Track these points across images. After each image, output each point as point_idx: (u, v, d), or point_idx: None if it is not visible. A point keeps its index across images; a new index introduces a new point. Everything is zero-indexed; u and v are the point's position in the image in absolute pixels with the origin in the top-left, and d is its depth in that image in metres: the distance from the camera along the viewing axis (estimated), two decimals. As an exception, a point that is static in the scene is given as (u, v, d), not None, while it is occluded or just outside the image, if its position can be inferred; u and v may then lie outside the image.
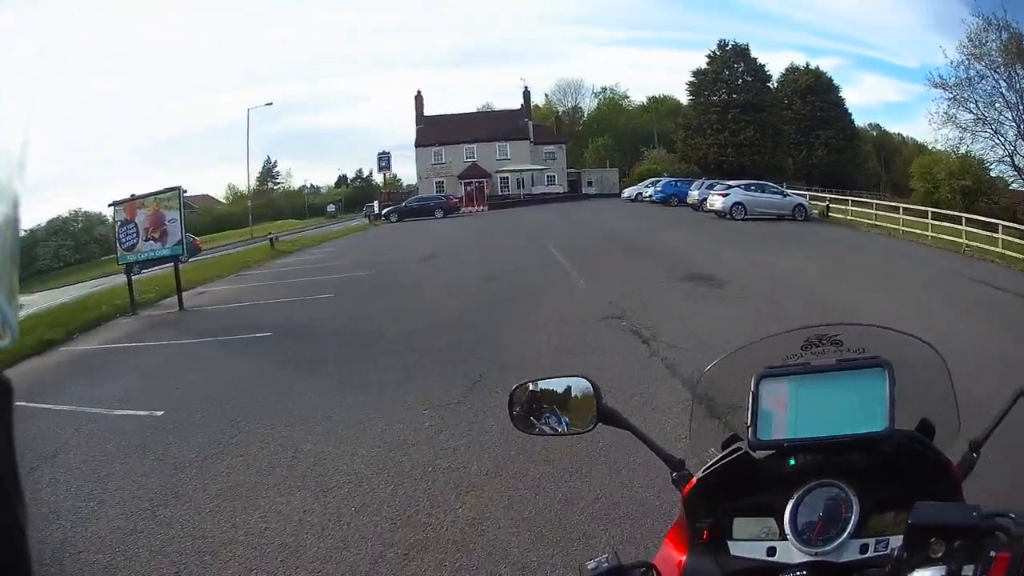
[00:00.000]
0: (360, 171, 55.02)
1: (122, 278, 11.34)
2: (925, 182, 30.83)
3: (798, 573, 0.83)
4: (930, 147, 31.38)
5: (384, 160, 37.73)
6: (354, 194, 50.71)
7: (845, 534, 0.85)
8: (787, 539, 0.87)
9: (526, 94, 41.87)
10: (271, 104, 38.07)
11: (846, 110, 44.82)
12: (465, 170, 38.54)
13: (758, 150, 39.42)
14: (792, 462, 0.90)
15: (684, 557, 0.93)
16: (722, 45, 40.98)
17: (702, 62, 41.52)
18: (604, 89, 52.97)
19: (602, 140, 48.12)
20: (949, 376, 0.97)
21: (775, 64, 42.69)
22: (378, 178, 42.50)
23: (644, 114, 52.44)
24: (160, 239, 10.61)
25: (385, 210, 32.17)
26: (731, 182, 21.99)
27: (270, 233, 18.54)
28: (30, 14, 0.50)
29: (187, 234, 11.57)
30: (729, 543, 0.92)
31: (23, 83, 0.41)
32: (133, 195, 11.25)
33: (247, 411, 5.13)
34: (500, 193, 39.24)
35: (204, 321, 9.77)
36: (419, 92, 40.13)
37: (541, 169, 39.93)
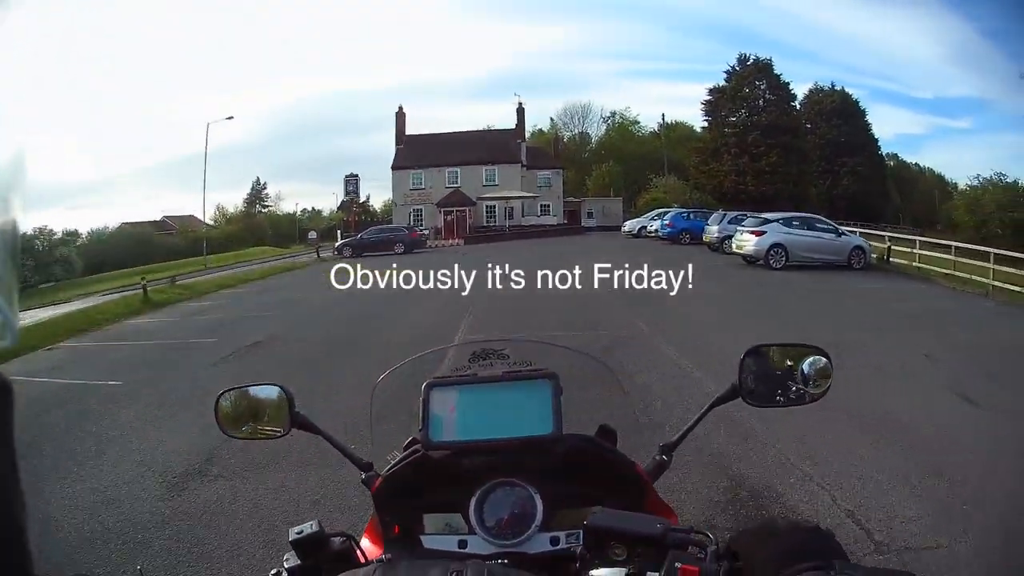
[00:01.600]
0: (353, 197, 50.68)
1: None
2: (972, 216, 26.68)
3: (497, 561, 0.84)
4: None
5: (351, 184, 33.20)
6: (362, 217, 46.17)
7: (532, 528, 0.94)
8: (476, 533, 0.95)
9: (520, 111, 37.52)
10: (231, 118, 33.72)
11: (872, 136, 40.44)
12: (445, 197, 34.01)
13: (782, 177, 34.78)
14: (467, 461, 0.98)
15: (381, 550, 0.97)
16: (742, 60, 36.66)
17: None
18: (613, 114, 48.65)
19: (607, 167, 43.83)
20: (623, 389, 1.16)
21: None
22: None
23: (654, 140, 48.35)
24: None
25: (339, 244, 27.61)
26: (767, 215, 16.44)
27: (143, 279, 13.78)
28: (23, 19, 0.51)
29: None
30: (422, 537, 0.99)
31: (25, 82, 0.40)
32: None
33: None
34: (485, 224, 34.63)
35: None
36: (400, 108, 35.85)
37: (532, 197, 35.36)
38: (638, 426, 1.10)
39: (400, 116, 35.81)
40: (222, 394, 1.15)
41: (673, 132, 47.29)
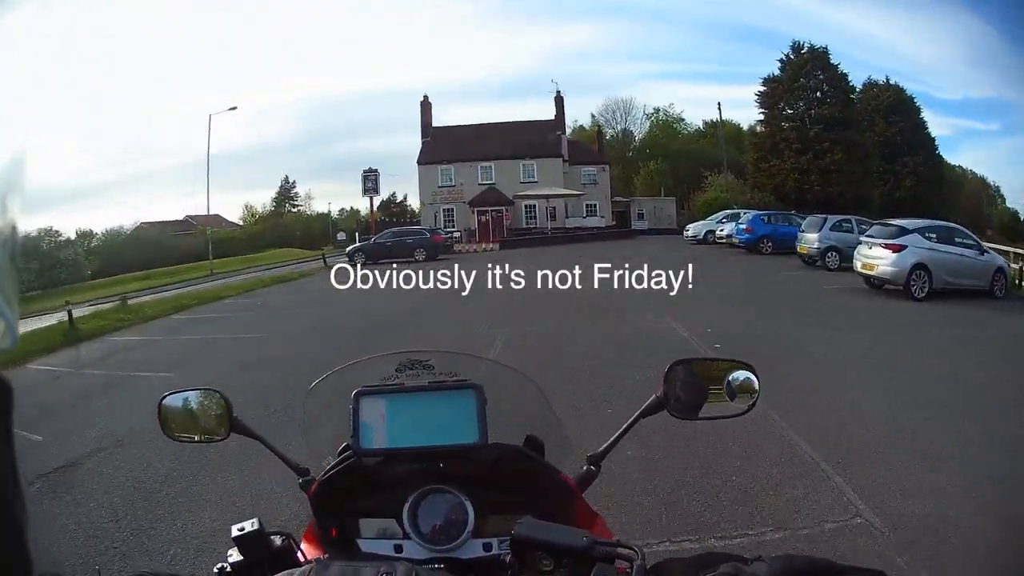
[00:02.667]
0: (394, 194, 47.75)
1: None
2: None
3: (434, 566, 0.89)
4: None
5: (370, 180, 29.80)
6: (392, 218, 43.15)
7: (464, 534, 0.96)
8: (410, 538, 0.97)
9: (558, 100, 33.44)
10: (235, 108, 31.00)
11: (929, 135, 35.26)
12: (478, 195, 30.32)
13: (847, 177, 30.05)
14: (399, 468, 1.00)
15: (320, 552, 0.98)
16: (796, 48, 31.74)
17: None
18: (657, 110, 44.44)
19: (655, 164, 39.75)
20: (547, 401, 1.12)
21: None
22: (366, 203, 34.13)
23: (700, 139, 44.15)
24: None
25: (349, 249, 24.30)
26: (901, 221, 11.95)
27: (67, 303, 10.65)
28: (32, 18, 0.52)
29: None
30: (359, 541, 1.01)
31: (28, 82, 0.41)
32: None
33: None
34: (525, 225, 30.81)
35: None
36: (426, 98, 32.33)
37: (576, 195, 31.31)
38: (564, 438, 1.11)
39: (425, 106, 32.34)
40: (164, 397, 1.17)
41: (720, 130, 43.56)
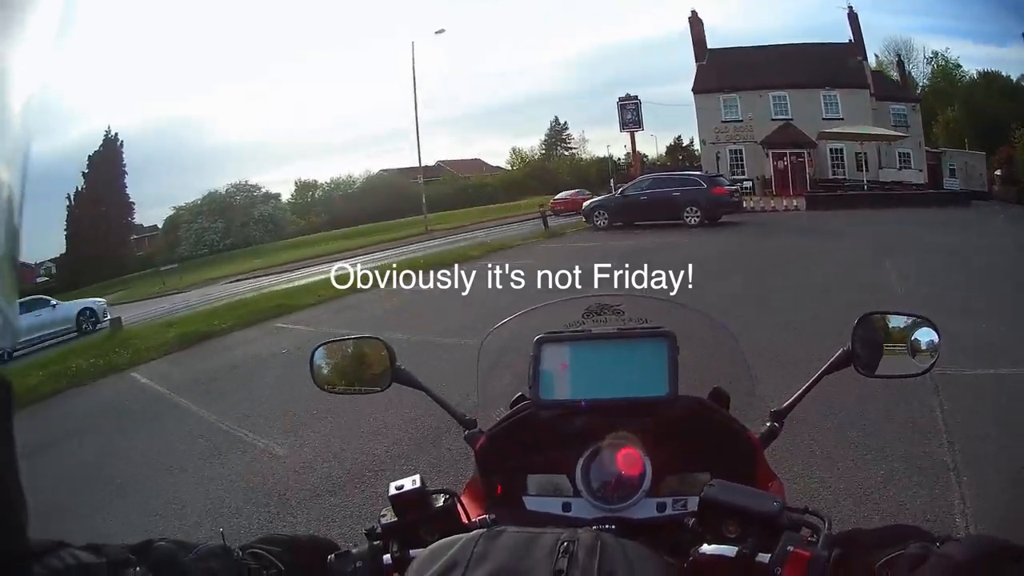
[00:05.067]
0: (679, 138, 39.98)
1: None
2: None
3: (604, 527, 0.81)
4: None
5: (629, 110, 23.16)
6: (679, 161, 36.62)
7: (639, 492, 0.89)
8: (581, 495, 0.91)
9: (852, 17, 25.15)
10: (443, 31, 25.48)
11: None
12: (773, 133, 23.02)
13: None
14: (577, 421, 0.93)
15: (482, 511, 0.91)
16: None
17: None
18: (936, 54, 35.16)
19: (952, 112, 30.81)
20: (740, 350, 1.05)
21: None
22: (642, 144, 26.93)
23: (981, 91, 34.55)
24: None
25: (587, 205, 17.38)
26: None
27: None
28: None
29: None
30: (525, 498, 0.95)
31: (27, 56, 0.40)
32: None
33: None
34: (831, 176, 23.19)
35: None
36: (695, 13, 25.23)
37: (901, 137, 23.21)
38: (751, 392, 1.04)
39: (695, 23, 25.24)
40: (318, 347, 1.13)
41: (994, 83, 33.66)
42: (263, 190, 34.92)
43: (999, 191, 25.54)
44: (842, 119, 23.38)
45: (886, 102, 25.06)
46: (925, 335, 1.02)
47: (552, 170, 36.55)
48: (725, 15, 52.50)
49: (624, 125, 23.38)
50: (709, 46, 24.84)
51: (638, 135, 24.96)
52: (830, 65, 24.20)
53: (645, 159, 31.11)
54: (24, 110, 0.41)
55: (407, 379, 1.09)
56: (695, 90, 23.80)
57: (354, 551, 0.80)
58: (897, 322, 1.04)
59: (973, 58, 44.03)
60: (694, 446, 0.93)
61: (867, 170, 23.20)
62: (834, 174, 23.16)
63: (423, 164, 35.62)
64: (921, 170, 25.20)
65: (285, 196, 36.14)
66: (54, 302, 14.34)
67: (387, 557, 0.80)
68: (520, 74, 55.43)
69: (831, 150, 23.22)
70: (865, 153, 23.32)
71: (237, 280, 23.17)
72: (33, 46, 0.41)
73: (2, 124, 0.40)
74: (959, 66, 37.23)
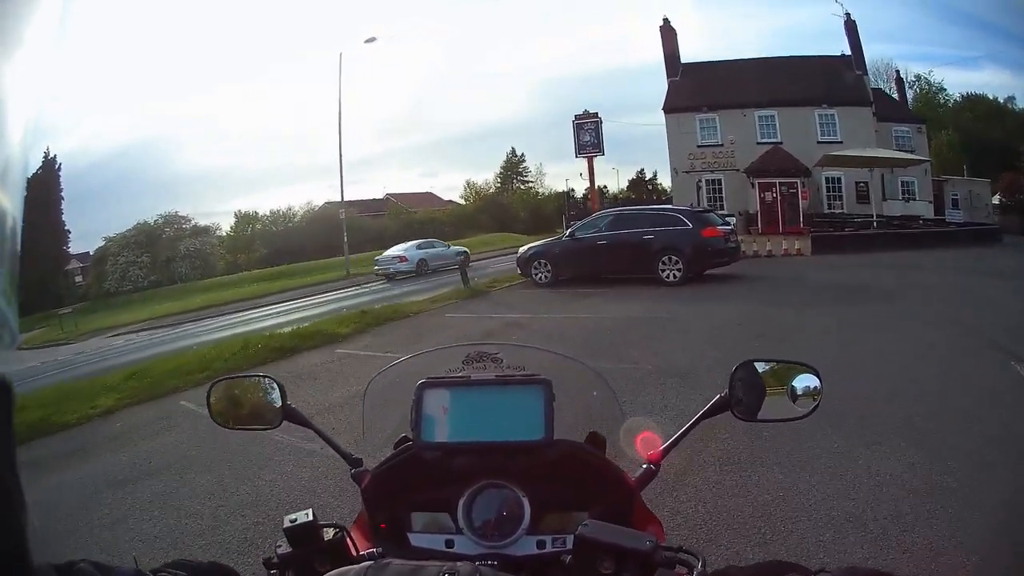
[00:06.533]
0: (642, 171, 37.13)
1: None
2: None
3: (487, 562, 0.85)
4: None
5: (589, 131, 19.49)
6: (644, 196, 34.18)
7: (519, 530, 0.92)
8: (463, 533, 0.94)
9: (850, 26, 21.94)
10: (374, 39, 22.05)
11: None
12: (759, 159, 19.54)
13: None
14: (457, 462, 0.96)
15: (369, 545, 0.97)
16: None
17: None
18: (919, 77, 33.53)
19: (947, 136, 28.67)
20: (614, 395, 1.08)
21: None
22: (603, 177, 23.50)
23: (968, 114, 33.22)
24: None
25: (523, 252, 12.98)
26: None
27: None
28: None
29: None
30: (410, 535, 0.98)
31: (31, 64, 0.42)
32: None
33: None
34: (826, 210, 19.67)
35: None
36: (667, 21, 21.91)
37: (920, 162, 19.97)
38: (627, 435, 1.08)
39: (668, 34, 21.88)
40: (215, 383, 1.17)
41: (978, 107, 31.97)
42: (193, 223, 31.98)
43: (1002, 221, 22.62)
44: (841, 142, 19.98)
45: (887, 123, 21.76)
46: (806, 381, 1.06)
47: (505, 205, 33.59)
48: (703, 25, 50.39)
49: (581, 149, 19.79)
50: (685, 60, 21.48)
51: (600, 164, 21.64)
52: (826, 80, 20.89)
53: (605, 192, 27.98)
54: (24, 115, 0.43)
55: (297, 418, 1.13)
56: (666, 109, 20.32)
57: None
58: (778, 368, 1.07)
59: (954, 83, 42.79)
60: (571, 487, 0.98)
61: (866, 201, 19.76)
62: (830, 208, 19.69)
63: (371, 198, 33.08)
64: (930, 202, 21.82)
65: (226, 228, 33.88)
66: None
67: None
68: (479, 103, 54.70)
69: (828, 179, 19.77)
70: (867, 183, 19.89)
71: (127, 333, 19.28)
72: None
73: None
74: (944, 89, 35.15)
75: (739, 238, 13.68)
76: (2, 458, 0.44)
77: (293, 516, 0.86)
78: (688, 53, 22.23)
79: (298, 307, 15.65)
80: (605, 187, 30.69)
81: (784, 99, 20.19)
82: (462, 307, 11.27)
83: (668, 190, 22.54)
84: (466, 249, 18.05)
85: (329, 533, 0.87)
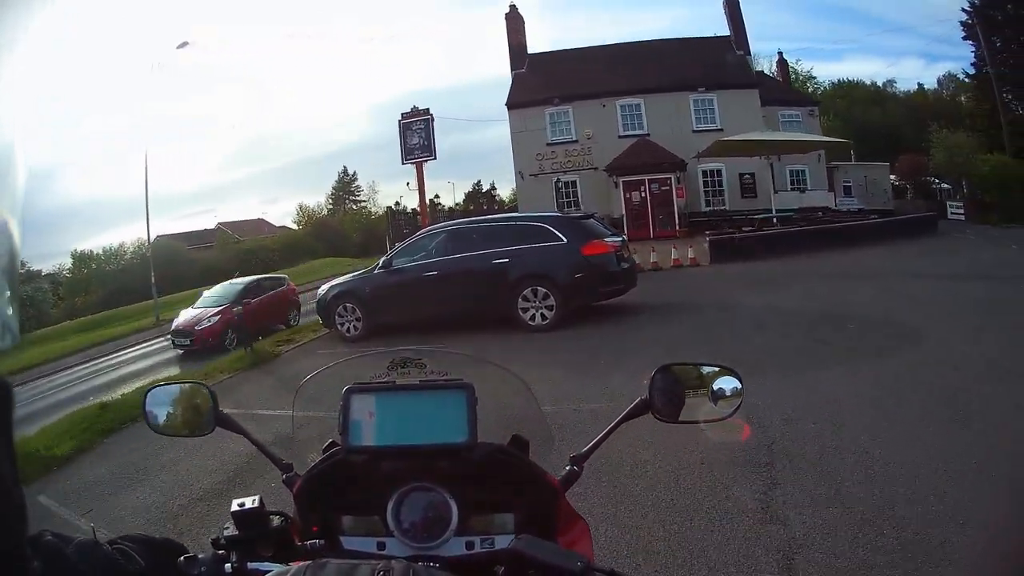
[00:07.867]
0: (479, 182, 36.53)
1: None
2: None
3: (429, 564, 0.85)
4: None
5: (418, 132, 16.01)
6: (482, 210, 31.88)
7: (448, 531, 0.95)
8: (393, 535, 0.96)
9: (732, 4, 19.53)
10: (186, 44, 18.75)
11: None
12: (623, 154, 16.49)
13: None
14: (385, 465, 0.98)
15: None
16: None
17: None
18: (798, 61, 33.13)
19: (828, 121, 27.76)
20: (535, 399, 1.09)
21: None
22: (438, 190, 20.12)
23: (846, 100, 33.69)
24: None
25: (327, 288, 9.11)
26: None
27: None
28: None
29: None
30: (341, 538, 0.99)
31: (25, 75, 0.42)
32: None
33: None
34: (705, 208, 16.70)
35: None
36: (513, 8, 18.92)
37: (842, 143, 17.49)
38: (548, 438, 1.09)
39: (514, 20, 18.89)
40: (150, 390, 1.17)
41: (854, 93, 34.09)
42: (26, 267, 27.97)
43: (909, 206, 20.69)
44: (721, 129, 17.13)
45: (772, 107, 19.22)
46: (727, 383, 1.06)
47: (336, 227, 30.47)
48: (559, 17, 49.24)
49: (408, 154, 16.30)
50: (532, 50, 18.46)
51: (436, 181, 18.43)
52: (703, 62, 18.17)
53: (439, 205, 24.92)
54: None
55: (230, 424, 1.14)
56: (510, 105, 17.16)
57: (200, 556, 0.84)
58: (698, 372, 1.08)
59: (819, 74, 43.75)
60: (497, 489, 0.98)
61: (754, 194, 16.90)
62: (710, 205, 16.72)
63: (202, 228, 29.64)
64: (829, 190, 19.26)
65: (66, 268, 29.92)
66: None
67: (228, 566, 0.84)
68: (312, 125, 53.69)
69: (705, 172, 16.83)
70: (753, 174, 17.07)
71: None
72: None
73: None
74: (813, 77, 34.52)
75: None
76: (2, 458, 0.44)
77: (241, 500, 0.87)
78: (539, 46, 19.31)
79: (63, 383, 11.67)
80: (437, 197, 28.14)
81: (652, 85, 17.36)
82: (233, 390, 7.21)
83: (507, 200, 19.28)
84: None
85: (275, 520, 0.89)
